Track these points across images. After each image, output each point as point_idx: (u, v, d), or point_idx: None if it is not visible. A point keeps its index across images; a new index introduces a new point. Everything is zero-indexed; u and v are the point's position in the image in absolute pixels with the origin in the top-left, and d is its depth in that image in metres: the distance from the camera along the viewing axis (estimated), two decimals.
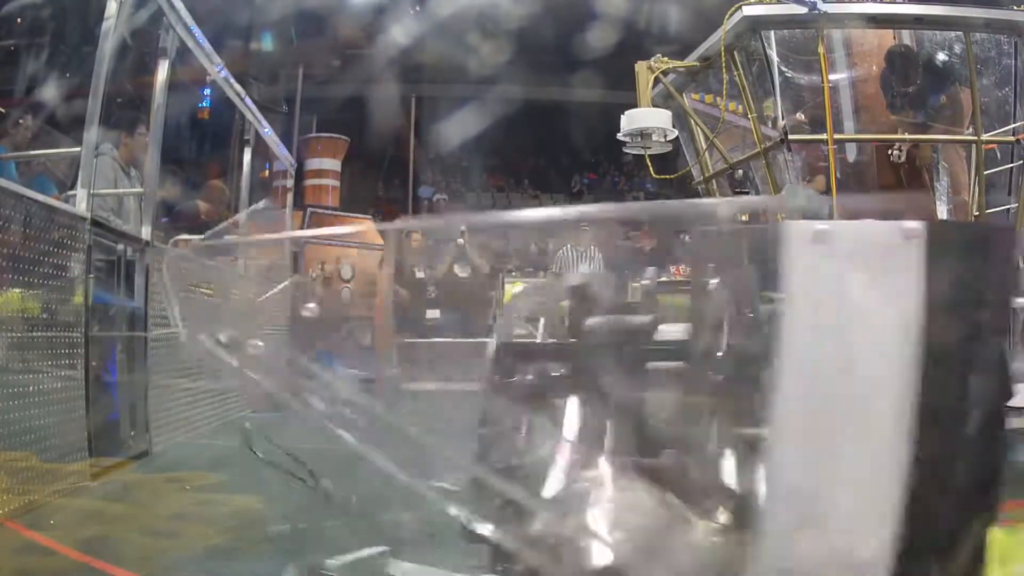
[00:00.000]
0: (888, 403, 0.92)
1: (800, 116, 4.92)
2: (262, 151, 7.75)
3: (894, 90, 5.25)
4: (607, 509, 1.15)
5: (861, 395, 0.94)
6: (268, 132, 7.28)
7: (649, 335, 1.34)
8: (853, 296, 0.97)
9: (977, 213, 4.76)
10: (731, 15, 4.88)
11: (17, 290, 3.19)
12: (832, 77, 5.07)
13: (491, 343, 1.44)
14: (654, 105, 5.41)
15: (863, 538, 0.92)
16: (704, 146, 5.83)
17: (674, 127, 5.34)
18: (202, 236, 6.53)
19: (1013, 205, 4.91)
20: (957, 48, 5.07)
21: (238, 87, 6.16)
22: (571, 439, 1.30)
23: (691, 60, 5.48)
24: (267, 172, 10.19)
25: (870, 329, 0.96)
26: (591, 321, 1.45)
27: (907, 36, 5.38)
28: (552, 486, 1.22)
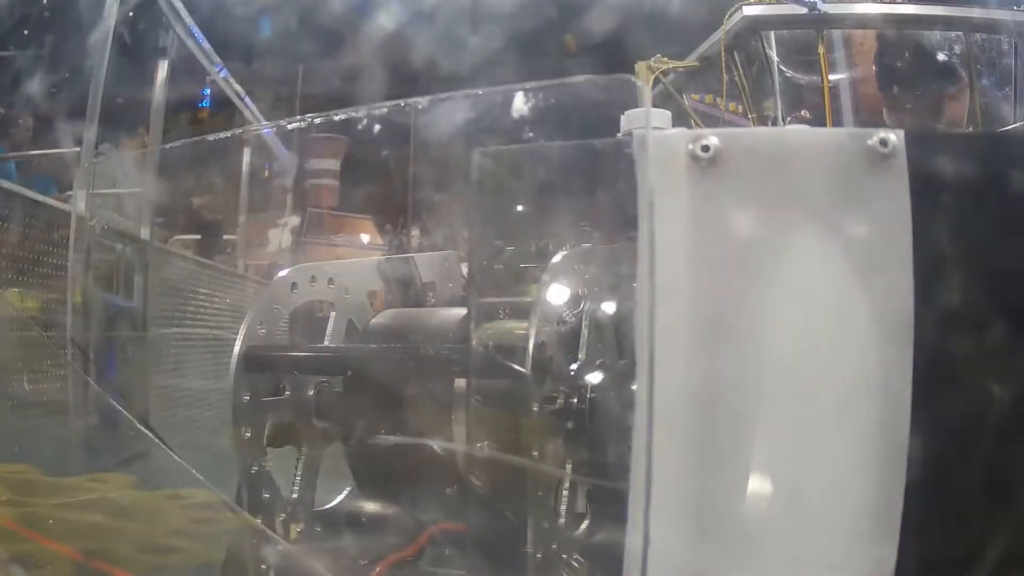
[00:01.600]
0: (863, 413, 0.53)
1: (805, 114, 4.92)
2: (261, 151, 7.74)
3: (891, 74, 5.25)
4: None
5: (816, 396, 0.54)
6: (267, 132, 7.28)
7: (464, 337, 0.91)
8: (784, 257, 0.56)
9: None
10: (731, 15, 4.88)
11: (16, 290, 3.19)
12: (832, 77, 5.08)
13: (236, 349, 1.08)
14: (654, 105, 5.40)
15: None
16: None
17: (674, 127, 5.33)
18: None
19: None
20: (956, 48, 5.07)
21: (238, 87, 6.16)
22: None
23: (691, 60, 5.49)
24: (266, 172, 10.17)
25: (824, 307, 0.55)
26: (379, 319, 1.12)
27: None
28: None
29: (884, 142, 0.58)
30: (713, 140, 0.59)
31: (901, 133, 0.58)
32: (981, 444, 0.51)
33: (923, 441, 0.50)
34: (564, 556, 0.77)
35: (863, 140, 0.58)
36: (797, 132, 0.64)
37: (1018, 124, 4.91)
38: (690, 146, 0.59)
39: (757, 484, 0.53)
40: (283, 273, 1.18)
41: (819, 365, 0.54)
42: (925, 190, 0.55)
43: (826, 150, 0.58)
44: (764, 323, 0.55)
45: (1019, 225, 0.55)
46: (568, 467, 0.79)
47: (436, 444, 0.92)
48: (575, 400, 0.79)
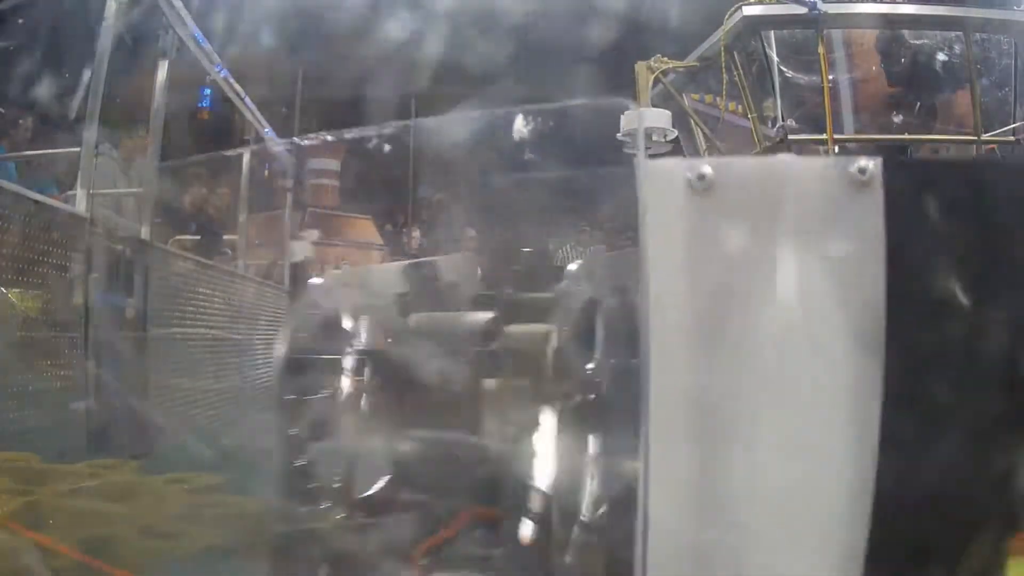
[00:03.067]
0: (840, 402, 0.61)
1: (791, 122, 4.91)
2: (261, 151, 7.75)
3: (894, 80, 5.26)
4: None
5: (799, 397, 0.62)
6: (268, 132, 7.28)
7: (490, 338, 1.00)
8: (771, 272, 0.63)
9: None
10: (731, 15, 4.88)
11: (17, 290, 3.19)
12: (832, 77, 5.08)
13: (278, 355, 1.14)
14: (654, 105, 5.41)
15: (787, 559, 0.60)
16: (704, 146, 5.82)
17: (674, 127, 5.34)
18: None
19: None
20: (957, 48, 5.08)
21: (238, 87, 6.16)
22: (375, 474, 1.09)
23: (691, 60, 5.49)
24: (267, 172, 10.18)
25: (807, 317, 0.62)
26: (411, 322, 1.16)
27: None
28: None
29: (862, 170, 0.64)
30: (707, 169, 0.65)
31: (879, 161, 0.64)
32: (946, 442, 0.57)
33: (891, 437, 0.56)
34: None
35: (844, 167, 0.65)
36: (785, 161, 0.70)
37: (1018, 124, 4.91)
38: (687, 175, 0.65)
39: (745, 472, 0.60)
40: (318, 280, 1.25)
41: (800, 368, 0.62)
42: (898, 213, 0.62)
43: (811, 177, 0.64)
44: (754, 331, 0.63)
45: (986, 245, 0.61)
46: (582, 453, 0.85)
47: (463, 435, 0.96)
48: (588, 395, 0.84)
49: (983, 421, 0.58)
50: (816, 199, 0.64)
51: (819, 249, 0.63)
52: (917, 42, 5.28)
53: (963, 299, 0.59)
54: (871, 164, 0.64)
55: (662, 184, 0.66)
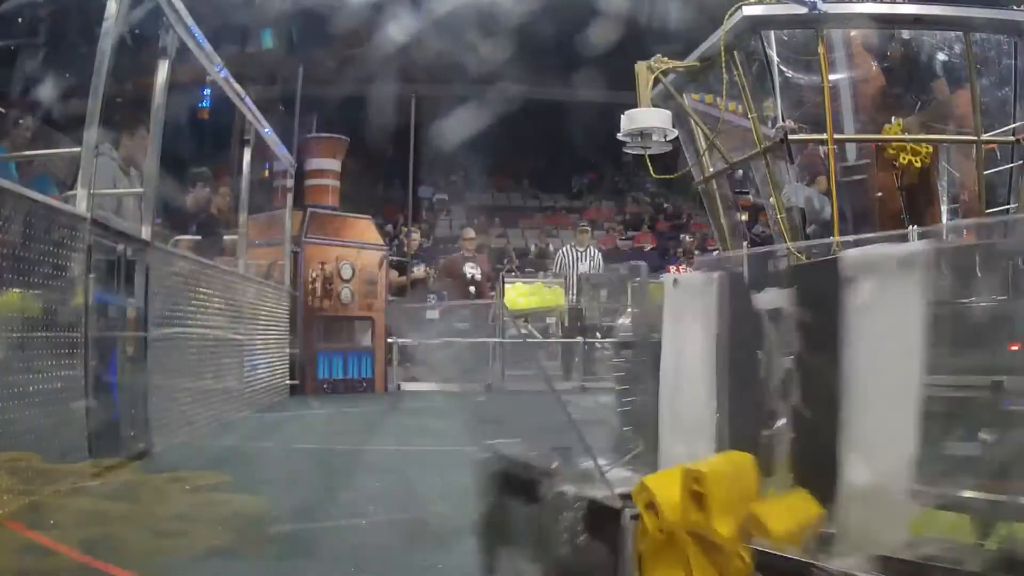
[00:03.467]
0: (705, 375, 1.76)
1: (789, 123, 4.88)
2: (262, 151, 7.75)
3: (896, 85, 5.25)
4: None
5: (693, 372, 1.79)
6: (268, 132, 7.27)
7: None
8: (690, 315, 1.81)
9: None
10: (731, 15, 4.87)
11: (17, 290, 3.19)
12: (832, 77, 5.06)
13: (616, 341, 2.35)
14: (653, 105, 5.40)
15: (700, 444, 1.73)
16: (704, 146, 5.82)
17: (674, 127, 5.33)
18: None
19: (1013, 205, 4.91)
20: (957, 48, 5.07)
21: (238, 87, 6.15)
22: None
23: (691, 60, 5.47)
24: (267, 172, 10.19)
25: (697, 334, 1.79)
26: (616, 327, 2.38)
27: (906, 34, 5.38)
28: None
29: (715, 277, 1.80)
30: (678, 277, 1.93)
31: (721, 274, 1.82)
32: (750, 386, 1.76)
33: (722, 389, 1.78)
34: None
35: (710, 277, 1.82)
36: (694, 275, 1.93)
37: (1018, 124, 4.91)
38: (672, 280, 1.93)
39: (684, 393, 1.86)
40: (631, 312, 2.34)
41: (693, 353, 1.83)
42: (725, 297, 1.79)
43: (700, 281, 1.85)
44: (684, 339, 1.87)
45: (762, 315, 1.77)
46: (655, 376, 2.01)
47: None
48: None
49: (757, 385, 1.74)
50: (700, 290, 1.82)
51: (702, 312, 1.80)
52: (909, 38, 5.28)
53: (746, 332, 1.76)
54: (718, 275, 1.79)
55: (666, 282, 1.91)
